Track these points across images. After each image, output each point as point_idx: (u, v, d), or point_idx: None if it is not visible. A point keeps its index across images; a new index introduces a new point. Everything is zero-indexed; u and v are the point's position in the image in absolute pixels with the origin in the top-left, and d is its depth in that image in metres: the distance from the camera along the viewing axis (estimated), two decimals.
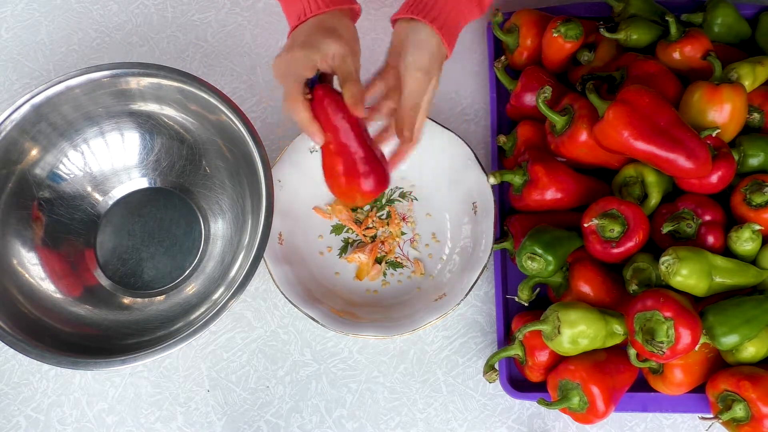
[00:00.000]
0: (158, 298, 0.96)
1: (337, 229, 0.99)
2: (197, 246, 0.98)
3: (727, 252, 0.85)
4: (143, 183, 1.00)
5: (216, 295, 0.89)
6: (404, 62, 0.79)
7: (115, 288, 0.96)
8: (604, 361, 0.82)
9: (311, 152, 0.98)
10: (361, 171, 0.77)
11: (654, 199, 0.88)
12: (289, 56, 0.76)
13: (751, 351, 0.82)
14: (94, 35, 1.10)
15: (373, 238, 0.98)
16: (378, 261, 0.97)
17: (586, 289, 0.86)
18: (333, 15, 0.79)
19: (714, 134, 0.85)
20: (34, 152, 0.93)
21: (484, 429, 0.91)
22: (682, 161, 0.82)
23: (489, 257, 0.90)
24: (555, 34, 0.94)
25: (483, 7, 0.85)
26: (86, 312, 0.92)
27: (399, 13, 0.82)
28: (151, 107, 0.95)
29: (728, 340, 0.79)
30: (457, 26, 0.82)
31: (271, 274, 0.91)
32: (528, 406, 0.91)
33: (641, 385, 0.87)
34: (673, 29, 0.92)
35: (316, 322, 0.89)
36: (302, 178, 0.98)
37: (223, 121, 0.91)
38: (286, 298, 0.90)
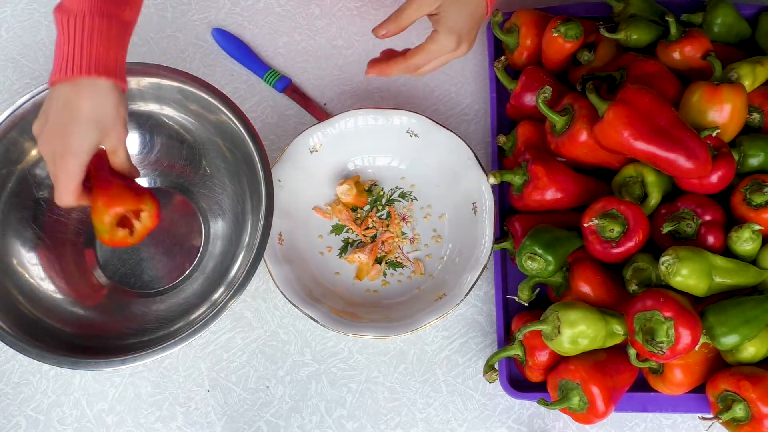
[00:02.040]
0: (158, 298, 0.96)
1: (337, 229, 0.99)
2: (197, 246, 0.98)
3: (727, 252, 0.85)
4: (143, 183, 1.00)
5: (216, 295, 0.89)
6: (439, 16, 0.75)
7: (115, 288, 0.96)
8: (604, 361, 0.83)
9: (311, 152, 0.98)
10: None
11: (654, 199, 0.88)
12: (75, 159, 0.73)
13: (751, 351, 0.82)
14: None
15: (373, 238, 0.98)
16: (378, 261, 0.97)
17: (586, 289, 0.85)
18: (108, 88, 0.74)
19: (714, 134, 0.85)
20: (34, 152, 0.93)
21: (484, 429, 0.91)
22: (682, 161, 0.82)
23: (489, 257, 0.90)
24: (555, 34, 0.94)
25: None
26: (86, 312, 0.92)
27: None
28: (151, 107, 0.95)
29: (728, 340, 0.79)
30: None
31: (271, 274, 0.91)
32: (528, 406, 0.91)
33: (641, 385, 0.87)
34: (673, 29, 0.92)
35: (316, 322, 0.89)
36: (302, 178, 0.98)
37: (223, 121, 0.91)
38: (286, 298, 0.90)
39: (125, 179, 0.81)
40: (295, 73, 1.07)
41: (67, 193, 0.74)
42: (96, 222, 0.81)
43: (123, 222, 0.81)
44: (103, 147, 0.77)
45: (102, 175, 0.81)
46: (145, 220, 0.82)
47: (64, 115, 0.73)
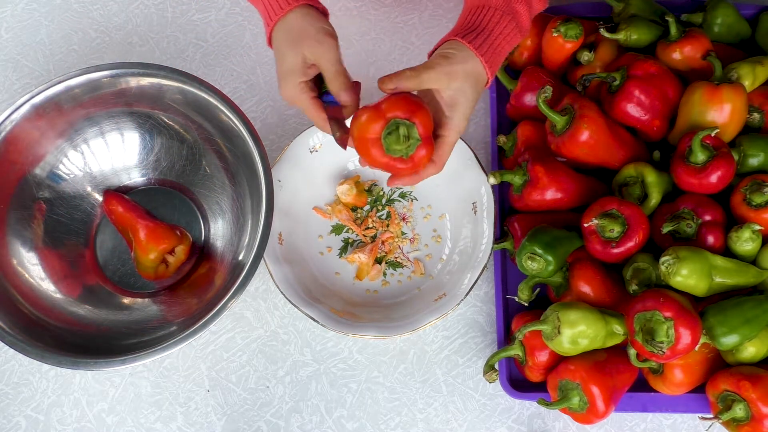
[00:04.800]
0: (158, 298, 0.96)
1: (337, 229, 0.99)
2: (197, 246, 0.98)
3: (727, 252, 0.85)
4: (143, 183, 1.00)
5: (216, 295, 0.89)
6: (456, 108, 0.75)
7: (115, 288, 0.96)
8: (604, 361, 0.83)
9: (311, 152, 0.98)
10: None
11: (654, 199, 0.88)
12: (284, 81, 0.77)
13: (751, 351, 0.82)
14: (94, 35, 1.10)
15: (373, 238, 0.98)
16: (378, 261, 0.97)
17: (586, 289, 0.85)
18: (296, 16, 0.77)
19: (713, 134, 0.85)
20: (34, 153, 0.93)
21: (484, 429, 0.91)
22: None
23: (489, 257, 0.90)
24: (555, 34, 0.94)
25: (524, 32, 0.80)
26: (86, 312, 0.92)
27: (453, 34, 0.77)
28: (151, 107, 0.95)
29: (728, 340, 0.79)
30: (502, 58, 0.79)
31: (271, 274, 0.91)
32: (528, 406, 0.91)
33: (641, 385, 0.87)
34: (673, 29, 0.92)
35: (316, 322, 0.89)
36: (302, 178, 0.98)
37: (223, 121, 0.91)
38: (286, 298, 0.90)
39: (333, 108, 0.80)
40: None
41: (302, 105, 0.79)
42: (142, 259, 0.93)
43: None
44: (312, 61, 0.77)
45: (143, 218, 0.93)
46: (179, 254, 0.94)
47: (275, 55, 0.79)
